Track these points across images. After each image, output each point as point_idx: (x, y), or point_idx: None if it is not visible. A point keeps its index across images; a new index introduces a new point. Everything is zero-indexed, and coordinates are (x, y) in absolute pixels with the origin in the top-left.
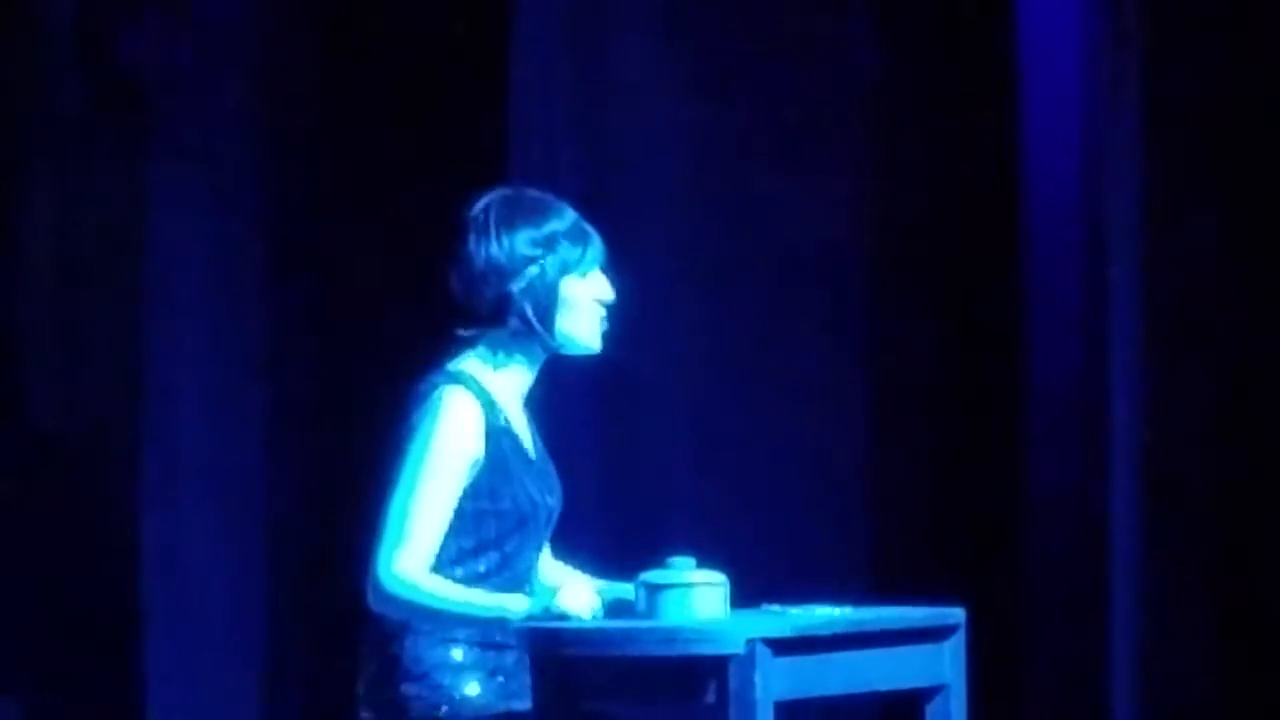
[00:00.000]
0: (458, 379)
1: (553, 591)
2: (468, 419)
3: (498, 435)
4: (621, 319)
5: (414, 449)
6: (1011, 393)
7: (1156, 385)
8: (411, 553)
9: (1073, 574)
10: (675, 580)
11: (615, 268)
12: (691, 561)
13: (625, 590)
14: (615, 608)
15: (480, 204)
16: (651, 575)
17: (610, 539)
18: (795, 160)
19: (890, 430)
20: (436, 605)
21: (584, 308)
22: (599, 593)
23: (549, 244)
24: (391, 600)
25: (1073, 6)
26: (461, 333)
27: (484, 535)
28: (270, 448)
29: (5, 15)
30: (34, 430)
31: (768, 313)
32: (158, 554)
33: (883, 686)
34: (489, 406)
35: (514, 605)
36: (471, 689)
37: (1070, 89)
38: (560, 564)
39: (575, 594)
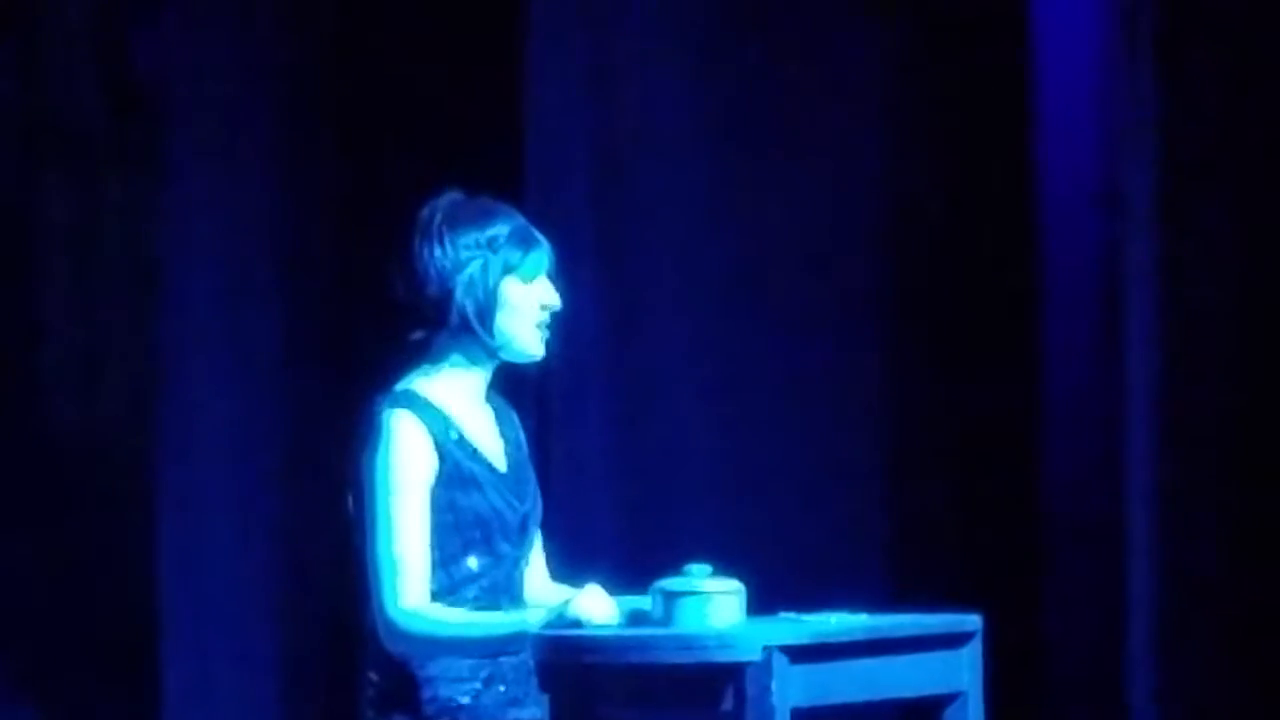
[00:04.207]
0: (401, 400)
1: (568, 598)
2: (415, 443)
3: (450, 450)
4: (636, 324)
5: (373, 485)
6: (1028, 399)
7: (1172, 389)
8: (410, 588)
9: (1090, 581)
10: (692, 588)
11: (623, 273)
12: (708, 569)
13: (642, 602)
14: (633, 618)
15: (428, 207)
16: (668, 583)
17: (626, 547)
18: (809, 164)
19: (908, 437)
20: (455, 633)
21: (524, 311)
22: (616, 604)
23: (491, 245)
24: (409, 638)
25: (1087, 6)
26: (411, 337)
27: (448, 549)
28: (288, 451)
29: (22, 21)
30: (51, 435)
31: (783, 318)
32: (175, 559)
33: (900, 694)
34: (438, 422)
35: (530, 617)
36: (470, 698)
37: (1084, 90)
38: (563, 587)
39: (590, 599)
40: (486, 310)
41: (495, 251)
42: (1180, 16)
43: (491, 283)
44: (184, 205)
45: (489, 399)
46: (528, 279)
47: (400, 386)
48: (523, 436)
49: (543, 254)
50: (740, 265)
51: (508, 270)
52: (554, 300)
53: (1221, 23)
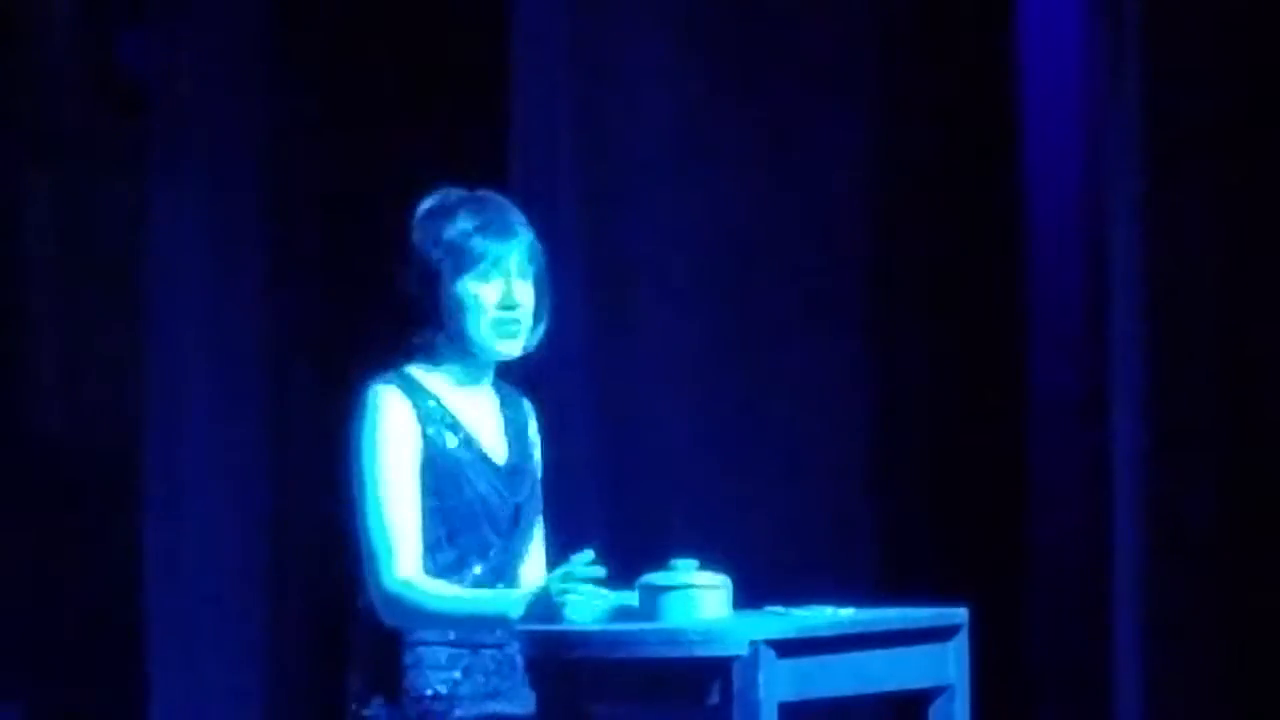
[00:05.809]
0: (390, 378)
1: (549, 575)
2: (397, 413)
3: (436, 429)
4: (622, 317)
5: (360, 458)
6: (1014, 391)
7: (1158, 382)
8: (404, 558)
9: (1077, 574)
10: (678, 582)
11: (609, 265)
12: (694, 563)
13: (629, 597)
14: (620, 614)
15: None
16: (654, 577)
17: (612, 541)
18: (796, 158)
19: (893, 430)
20: (444, 607)
21: (479, 311)
22: (604, 598)
23: (449, 244)
24: (403, 608)
25: (1072, 7)
26: (399, 328)
27: (435, 533)
28: (273, 451)
29: (7, 21)
30: (38, 435)
31: (769, 311)
32: (161, 558)
33: (886, 687)
34: (425, 402)
35: (514, 599)
36: (447, 687)
37: (1070, 88)
38: None
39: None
40: (443, 309)
41: (449, 251)
42: (1166, 9)
43: (447, 282)
44: (170, 204)
45: (496, 386)
46: (485, 278)
47: (394, 368)
48: (530, 425)
49: (504, 251)
50: (727, 257)
51: (461, 270)
52: (511, 299)
53: (1207, 16)
